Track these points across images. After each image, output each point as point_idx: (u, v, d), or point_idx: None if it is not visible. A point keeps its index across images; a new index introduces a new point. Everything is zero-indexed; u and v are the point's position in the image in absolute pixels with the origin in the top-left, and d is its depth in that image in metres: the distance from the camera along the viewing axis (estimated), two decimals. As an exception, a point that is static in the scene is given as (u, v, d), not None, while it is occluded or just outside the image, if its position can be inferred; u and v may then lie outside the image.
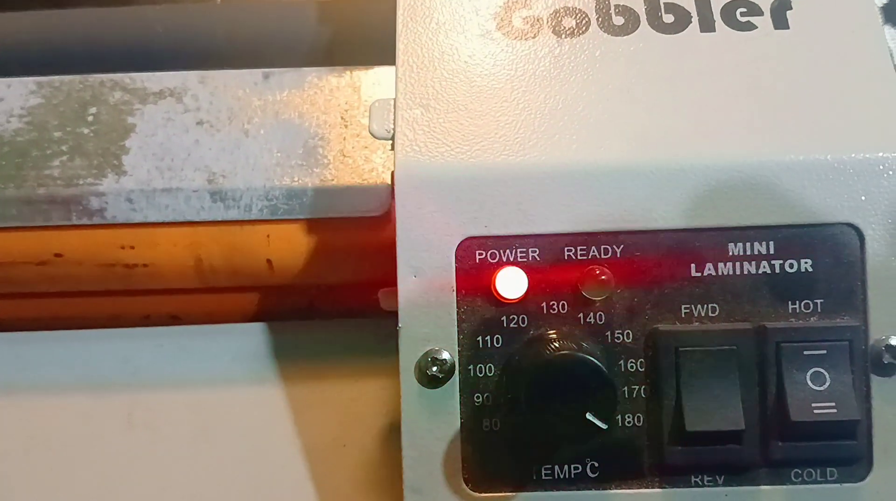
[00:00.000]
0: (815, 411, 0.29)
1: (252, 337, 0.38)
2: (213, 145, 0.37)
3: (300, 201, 0.36)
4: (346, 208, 0.35)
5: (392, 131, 0.32)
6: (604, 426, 0.27)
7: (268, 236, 0.36)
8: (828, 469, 0.30)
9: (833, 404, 0.29)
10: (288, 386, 0.37)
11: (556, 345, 0.28)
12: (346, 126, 0.37)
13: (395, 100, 0.32)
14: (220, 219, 0.36)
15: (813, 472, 0.30)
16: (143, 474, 0.36)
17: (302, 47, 0.40)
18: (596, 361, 0.27)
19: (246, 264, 0.36)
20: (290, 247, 0.36)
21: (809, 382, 0.30)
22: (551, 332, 0.30)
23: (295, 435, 0.36)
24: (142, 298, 0.38)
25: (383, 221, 0.36)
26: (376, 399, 0.37)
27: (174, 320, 0.38)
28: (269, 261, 0.36)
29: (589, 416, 0.27)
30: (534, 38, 0.33)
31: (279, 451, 0.36)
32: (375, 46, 0.39)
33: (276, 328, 0.38)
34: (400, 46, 0.33)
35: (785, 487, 0.30)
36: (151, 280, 0.37)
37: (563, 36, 0.33)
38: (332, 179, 0.36)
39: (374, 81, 0.38)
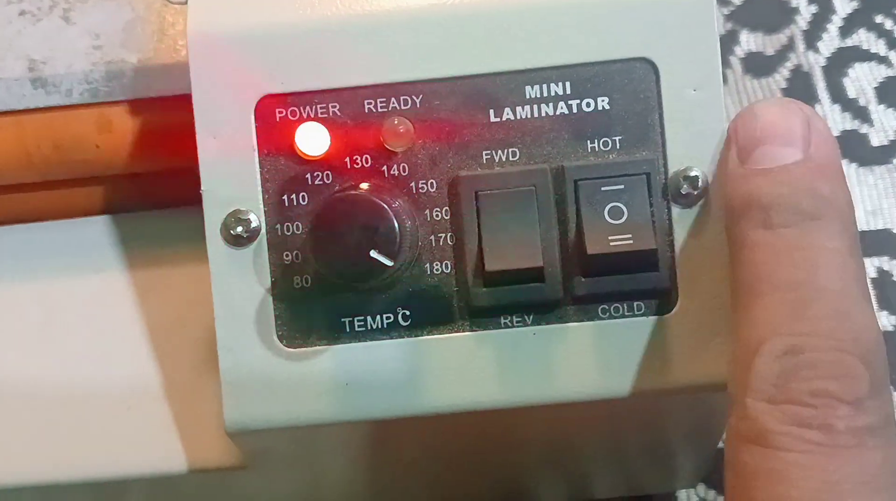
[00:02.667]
0: (612, 243, 0.29)
1: (92, 229, 0.38)
2: (34, 34, 0.36)
3: (120, 82, 0.35)
4: (166, 86, 0.35)
5: (186, -5, 0.31)
6: (389, 263, 0.27)
7: (93, 119, 0.35)
8: (634, 303, 0.31)
9: (630, 235, 0.29)
10: (131, 273, 0.38)
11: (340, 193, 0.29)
12: (165, 5, 0.36)
13: (191, -36, 0.32)
14: (42, 105, 0.35)
15: (620, 307, 0.31)
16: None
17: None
18: (375, 198, 0.28)
19: (75, 151, 0.36)
20: (115, 129, 0.36)
21: (607, 216, 0.30)
22: (361, 185, 0.30)
23: (139, 318, 0.37)
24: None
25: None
26: (219, 280, 0.37)
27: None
28: (97, 145, 0.36)
29: (373, 253, 0.27)
30: None
31: (123, 333, 0.36)
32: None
33: (116, 219, 0.38)
34: (197, -88, 0.33)
35: (593, 323, 0.31)
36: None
37: None
38: (150, 59, 0.35)
39: (198, -38, 0.38)
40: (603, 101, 0.30)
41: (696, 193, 0.30)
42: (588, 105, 0.31)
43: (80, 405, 0.35)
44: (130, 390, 0.35)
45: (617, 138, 0.30)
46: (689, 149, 0.30)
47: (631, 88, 0.30)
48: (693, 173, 0.30)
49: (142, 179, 0.38)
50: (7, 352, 0.36)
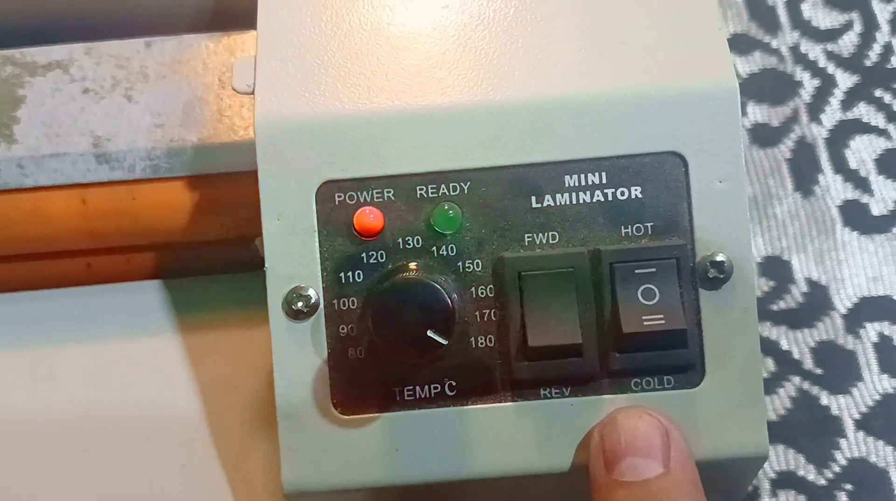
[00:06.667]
0: (645, 323, 0.32)
1: (147, 293, 0.41)
2: (97, 111, 0.39)
3: (180, 159, 0.38)
4: (223, 164, 0.38)
5: (252, 86, 0.34)
6: (444, 342, 0.30)
7: (151, 194, 0.38)
8: (665, 377, 0.33)
9: (661, 316, 0.32)
10: (183, 337, 0.40)
11: (402, 274, 0.31)
12: (223, 87, 0.39)
13: (255, 56, 0.34)
14: (105, 180, 0.38)
15: (651, 380, 0.33)
16: (47, 421, 0.38)
17: (186, 16, 0.42)
18: (432, 282, 0.30)
19: (133, 223, 0.38)
20: (174, 204, 0.38)
21: (640, 297, 0.32)
22: (411, 264, 0.33)
23: (190, 381, 0.39)
24: (45, 262, 0.40)
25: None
26: (266, 344, 0.39)
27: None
28: (154, 218, 0.38)
29: (430, 333, 0.30)
30: (386, -8, 0.36)
31: (175, 396, 0.39)
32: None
33: (169, 284, 0.41)
34: (260, 4, 0.35)
35: (626, 395, 0.33)
36: (46, 244, 0.39)
37: (414, -11, 0.36)
38: (210, 138, 0.38)
39: (252, 44, 0.40)
40: (636, 190, 0.33)
41: (721, 276, 0.33)
42: (622, 194, 0.33)
43: (136, 464, 0.37)
44: (184, 450, 0.37)
45: (649, 224, 0.33)
46: (716, 236, 0.33)
47: (662, 178, 0.33)
48: (719, 258, 0.33)
49: (196, 246, 0.40)
50: (65, 413, 0.38)
